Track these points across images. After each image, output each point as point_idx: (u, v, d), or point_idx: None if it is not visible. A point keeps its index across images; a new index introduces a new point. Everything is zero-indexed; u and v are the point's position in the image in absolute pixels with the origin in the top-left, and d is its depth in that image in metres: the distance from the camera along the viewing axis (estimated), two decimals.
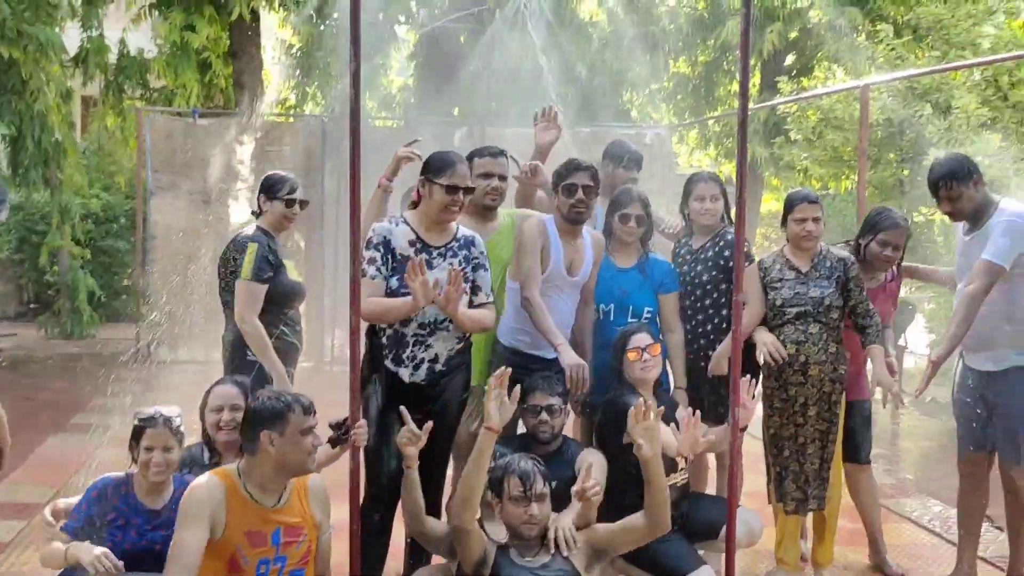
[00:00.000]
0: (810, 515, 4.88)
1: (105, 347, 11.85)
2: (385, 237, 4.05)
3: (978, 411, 4.65)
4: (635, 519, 3.78)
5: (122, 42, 12.97)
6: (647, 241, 4.85)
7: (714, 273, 4.84)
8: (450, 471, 4.43)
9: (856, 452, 4.99)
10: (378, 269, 4.01)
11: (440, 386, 4.14)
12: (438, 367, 4.11)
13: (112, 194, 15.01)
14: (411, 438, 3.78)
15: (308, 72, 14.66)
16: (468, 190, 4.10)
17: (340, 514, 3.66)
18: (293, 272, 4.90)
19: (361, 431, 3.69)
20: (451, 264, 4.09)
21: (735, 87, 16.85)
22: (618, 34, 14.12)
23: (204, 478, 3.45)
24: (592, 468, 3.97)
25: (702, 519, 4.38)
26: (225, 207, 10.37)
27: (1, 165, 11.83)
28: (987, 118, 9.03)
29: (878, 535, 5.14)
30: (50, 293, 13.90)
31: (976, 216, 4.56)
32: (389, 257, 4.04)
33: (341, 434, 3.75)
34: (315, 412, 3.48)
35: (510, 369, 3.80)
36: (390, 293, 4.00)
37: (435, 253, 4.11)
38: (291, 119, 13.05)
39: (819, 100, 11.02)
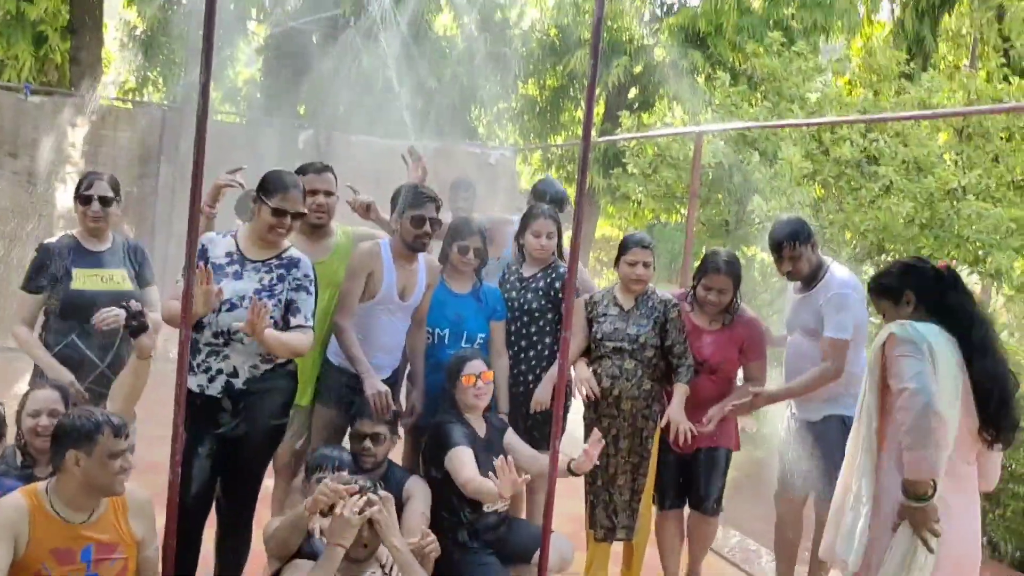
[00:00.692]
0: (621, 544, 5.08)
1: None
2: (203, 245, 4.01)
3: (800, 455, 4.97)
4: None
5: None
6: (481, 270, 4.97)
7: (543, 302, 5.00)
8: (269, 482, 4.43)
9: (701, 501, 5.00)
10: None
11: (245, 406, 4.03)
12: (237, 384, 4.01)
13: None
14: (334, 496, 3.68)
15: (151, 57, 14.22)
16: (297, 215, 4.07)
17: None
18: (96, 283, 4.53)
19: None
20: (262, 279, 4.04)
21: (579, 114, 17.32)
22: (470, 51, 14.29)
23: (8, 498, 3.34)
24: (417, 516, 4.12)
25: (517, 543, 4.54)
26: (52, 190, 9.95)
27: None
28: (809, 170, 9.59)
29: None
30: None
31: (810, 277, 4.88)
32: (202, 264, 3.92)
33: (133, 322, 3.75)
34: (127, 435, 3.39)
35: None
36: None
37: (249, 266, 4.05)
38: (130, 105, 12.63)
39: (656, 140, 11.45)
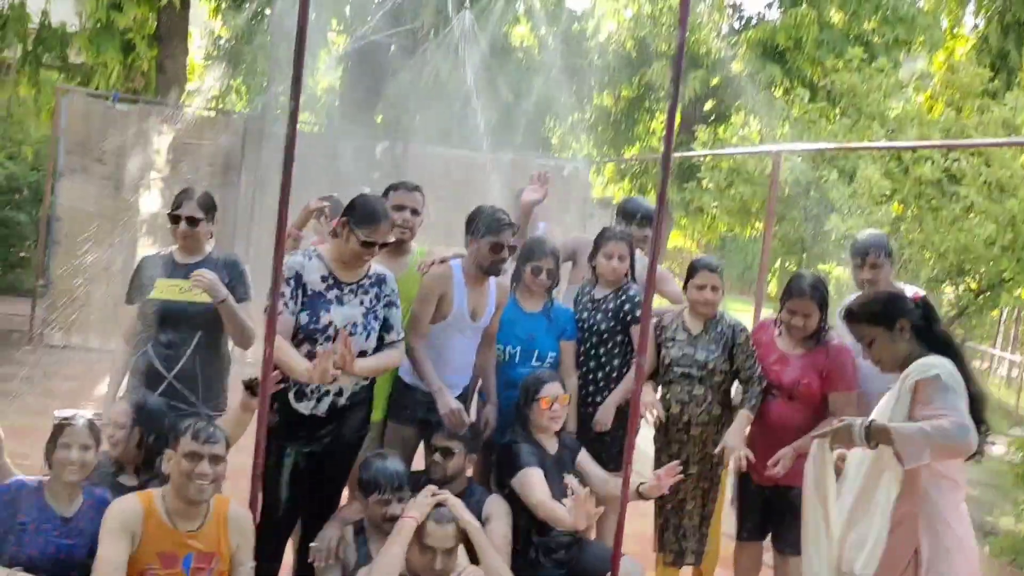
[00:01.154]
0: (690, 568, 5.07)
1: None
2: (297, 272, 4.06)
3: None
4: None
5: (44, 12, 12.70)
6: (552, 290, 5.00)
7: (612, 324, 5.00)
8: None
9: (779, 540, 4.90)
10: (285, 304, 3.99)
11: (338, 420, 4.17)
12: (341, 401, 4.14)
13: (17, 164, 14.61)
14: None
15: (234, 66, 14.53)
16: (385, 244, 4.14)
17: None
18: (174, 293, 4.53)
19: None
20: (362, 301, 4.14)
21: (654, 125, 17.30)
22: (547, 63, 14.35)
23: (126, 498, 3.59)
24: (499, 537, 4.20)
25: (587, 564, 4.54)
26: (137, 197, 10.22)
27: None
28: (888, 189, 9.46)
29: None
30: None
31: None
32: (299, 292, 4.05)
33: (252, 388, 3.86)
34: (209, 441, 3.55)
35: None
36: (298, 327, 4.03)
37: (347, 290, 4.13)
38: (214, 113, 12.91)
39: (733, 156, 11.39)
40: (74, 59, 13.21)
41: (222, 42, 15.34)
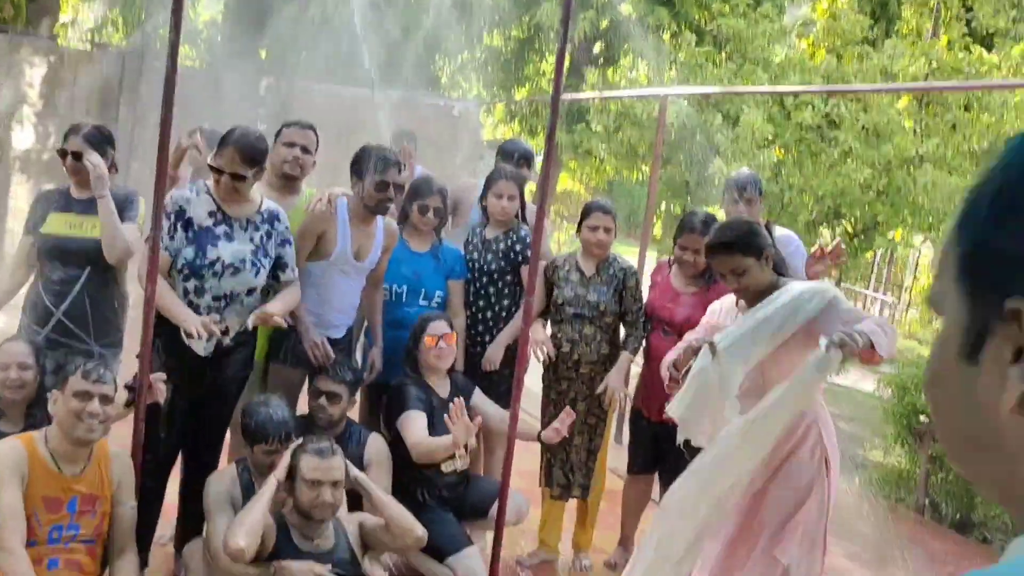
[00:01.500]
0: (574, 501, 5.19)
1: None
2: (181, 207, 3.98)
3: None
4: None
5: None
6: (440, 230, 5.00)
7: (502, 264, 5.04)
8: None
9: (668, 475, 4.78)
10: (161, 239, 3.88)
11: (224, 361, 4.12)
12: (226, 341, 4.07)
13: None
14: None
15: None
16: (236, 176, 3.99)
17: None
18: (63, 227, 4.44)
19: (159, 389, 3.75)
20: (252, 237, 4.08)
21: (544, 66, 17.27)
22: (436, 1, 14.15)
23: (6, 442, 3.45)
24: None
25: (475, 499, 4.63)
26: (8, 131, 9.77)
27: None
28: (770, 134, 9.69)
29: None
30: None
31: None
32: (179, 226, 3.97)
33: (131, 397, 3.76)
34: (98, 380, 3.46)
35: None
36: (184, 263, 3.95)
37: (236, 226, 4.07)
38: (90, 47, 12.39)
39: (621, 98, 11.47)
40: None
41: None
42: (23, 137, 9.75)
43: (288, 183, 4.64)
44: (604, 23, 14.93)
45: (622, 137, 11.45)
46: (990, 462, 0.77)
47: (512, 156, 5.68)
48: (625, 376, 4.92)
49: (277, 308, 4.04)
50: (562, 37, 3.73)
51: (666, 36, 13.76)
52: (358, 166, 4.53)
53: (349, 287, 4.61)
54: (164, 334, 3.92)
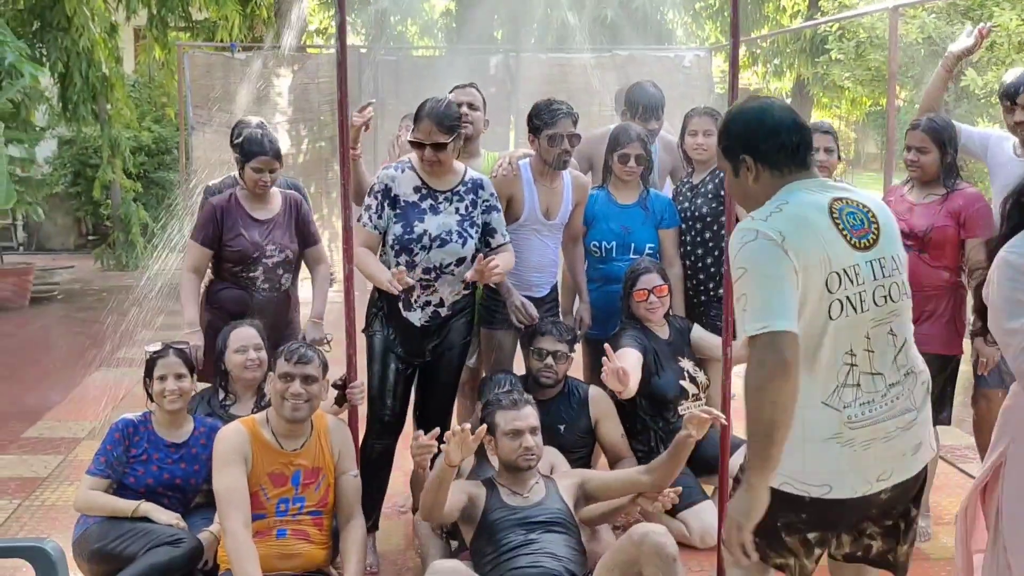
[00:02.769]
0: None
1: (157, 279, 12.13)
2: (387, 185, 4.13)
3: None
4: (636, 478, 3.86)
5: None
6: (647, 178, 4.88)
7: (714, 205, 4.84)
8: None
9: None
10: (370, 218, 4.10)
11: (444, 329, 4.25)
12: (443, 311, 4.21)
13: (163, 126, 15.21)
14: (426, 450, 3.68)
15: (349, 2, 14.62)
16: (437, 146, 4.04)
17: None
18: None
19: (357, 390, 3.92)
20: (457, 208, 4.15)
21: (785, 2, 16.52)
22: None
23: (230, 426, 3.73)
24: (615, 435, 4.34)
25: (709, 453, 4.47)
26: (283, 137, 10.43)
27: (52, 101, 12.01)
28: None
29: None
30: (106, 224, 14.20)
31: None
32: (387, 204, 4.12)
33: (341, 392, 3.97)
34: (302, 361, 3.66)
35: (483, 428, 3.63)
36: (394, 239, 4.10)
37: (441, 198, 4.16)
38: (322, 51, 13.05)
39: (861, 19, 10.76)
40: (197, 16, 13.55)
41: None
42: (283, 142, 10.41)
43: (465, 146, 4.60)
44: None
45: (866, 63, 10.76)
46: None
47: (637, 108, 5.31)
48: None
49: (503, 273, 4.12)
50: None
51: None
52: (532, 123, 4.52)
53: (544, 245, 4.62)
54: (386, 306, 4.15)
